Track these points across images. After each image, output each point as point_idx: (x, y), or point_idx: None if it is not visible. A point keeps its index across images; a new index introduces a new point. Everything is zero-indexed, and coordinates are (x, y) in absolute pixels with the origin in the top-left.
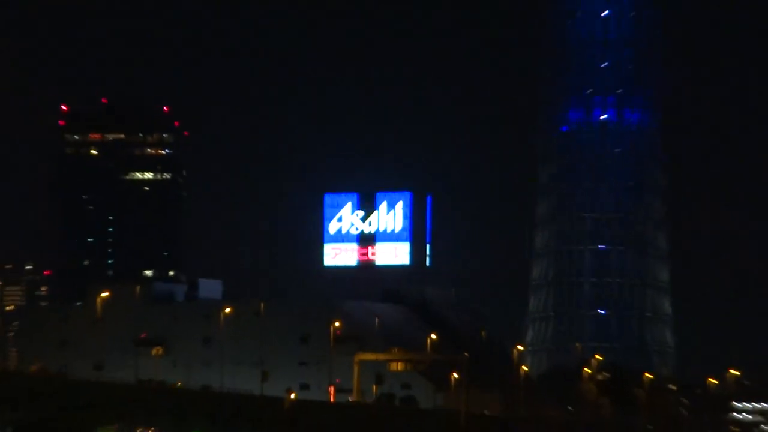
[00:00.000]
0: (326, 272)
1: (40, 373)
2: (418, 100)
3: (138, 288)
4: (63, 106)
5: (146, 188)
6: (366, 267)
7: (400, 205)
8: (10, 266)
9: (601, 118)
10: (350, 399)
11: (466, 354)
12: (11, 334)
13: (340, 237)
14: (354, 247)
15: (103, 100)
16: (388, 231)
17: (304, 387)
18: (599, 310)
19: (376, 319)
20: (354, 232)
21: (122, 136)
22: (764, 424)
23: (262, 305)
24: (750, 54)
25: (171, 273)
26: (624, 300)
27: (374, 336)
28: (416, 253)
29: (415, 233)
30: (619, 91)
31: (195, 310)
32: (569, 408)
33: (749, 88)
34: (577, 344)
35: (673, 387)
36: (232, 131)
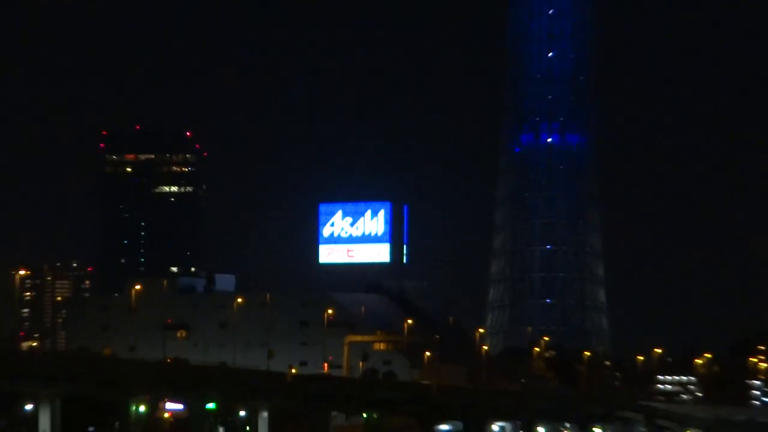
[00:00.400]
0: (321, 268)
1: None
2: (400, 121)
3: (165, 282)
4: (103, 132)
5: (172, 199)
6: (354, 264)
7: (381, 213)
8: (60, 264)
9: (548, 141)
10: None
11: (436, 336)
12: (60, 320)
13: (333, 239)
14: (344, 247)
15: (137, 127)
16: (372, 234)
17: (303, 363)
18: (547, 300)
19: (362, 308)
20: (344, 235)
21: (152, 156)
22: (683, 393)
23: (268, 296)
24: (666, 87)
25: (192, 269)
26: (567, 291)
27: (361, 321)
28: (395, 252)
29: (394, 236)
30: (561, 119)
31: (212, 300)
32: (522, 381)
33: (667, 113)
34: (528, 328)
35: (607, 363)
36: (242, 152)
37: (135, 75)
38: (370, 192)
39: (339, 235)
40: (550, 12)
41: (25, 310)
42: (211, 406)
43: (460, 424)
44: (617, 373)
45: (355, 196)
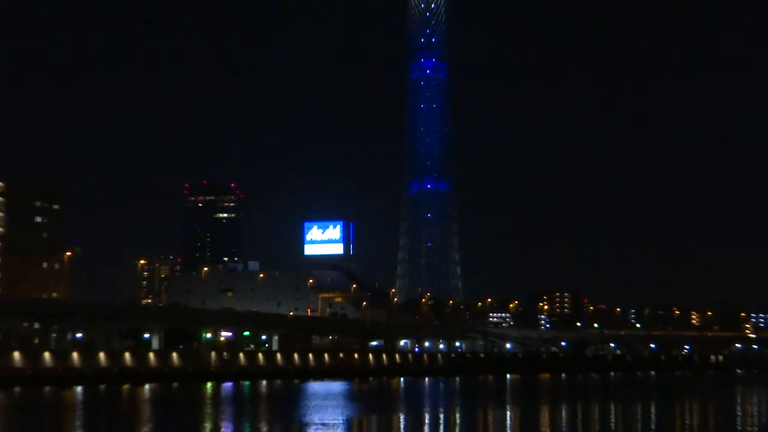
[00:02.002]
0: (305, 258)
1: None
2: (346, 168)
3: (221, 266)
4: (185, 184)
5: (224, 221)
6: (323, 255)
7: (338, 227)
8: (162, 256)
9: (428, 186)
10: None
11: (369, 293)
12: (163, 288)
13: (312, 242)
14: (318, 246)
15: (204, 181)
16: (333, 238)
17: (296, 309)
18: (429, 273)
19: (328, 278)
20: (317, 239)
21: (213, 197)
22: (503, 323)
23: (277, 272)
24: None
25: (235, 258)
26: (440, 268)
27: (328, 286)
28: (345, 248)
29: (345, 239)
30: (435, 175)
31: (246, 275)
32: (416, 317)
33: (503, 167)
34: (419, 288)
35: (462, 307)
36: (262, 191)
37: (203, 145)
38: (331, 214)
39: (315, 239)
40: (427, 117)
41: (144, 282)
42: (246, 333)
43: (382, 341)
44: (467, 313)
45: (323, 217)
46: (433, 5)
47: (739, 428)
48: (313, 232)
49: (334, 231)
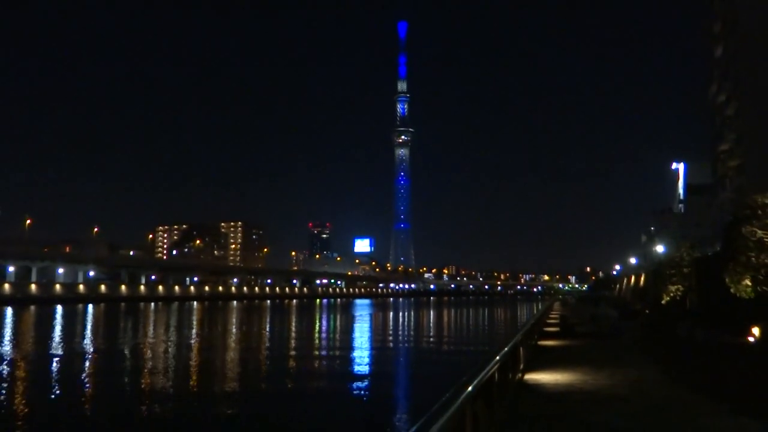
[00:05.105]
0: (354, 252)
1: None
2: (373, 207)
3: (323, 255)
4: (309, 224)
5: (324, 238)
6: (362, 252)
7: (368, 240)
8: (300, 252)
9: (401, 226)
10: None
11: (379, 266)
12: (302, 263)
13: (357, 243)
14: (360, 245)
15: (317, 221)
16: (365, 244)
17: (351, 271)
18: (402, 258)
19: (364, 259)
20: (359, 244)
21: (320, 228)
22: (431, 277)
23: (344, 257)
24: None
25: (328, 252)
26: (406, 256)
27: (363, 262)
28: (371, 248)
29: (371, 244)
30: (404, 220)
31: (333, 259)
32: (396, 274)
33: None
34: (398, 264)
35: (414, 270)
36: (340, 222)
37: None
38: (365, 233)
39: (358, 243)
40: (402, 197)
41: (293, 260)
42: (332, 281)
43: (384, 284)
44: (416, 273)
45: (361, 234)
46: (405, 154)
47: (499, 322)
48: (358, 242)
49: (366, 241)
